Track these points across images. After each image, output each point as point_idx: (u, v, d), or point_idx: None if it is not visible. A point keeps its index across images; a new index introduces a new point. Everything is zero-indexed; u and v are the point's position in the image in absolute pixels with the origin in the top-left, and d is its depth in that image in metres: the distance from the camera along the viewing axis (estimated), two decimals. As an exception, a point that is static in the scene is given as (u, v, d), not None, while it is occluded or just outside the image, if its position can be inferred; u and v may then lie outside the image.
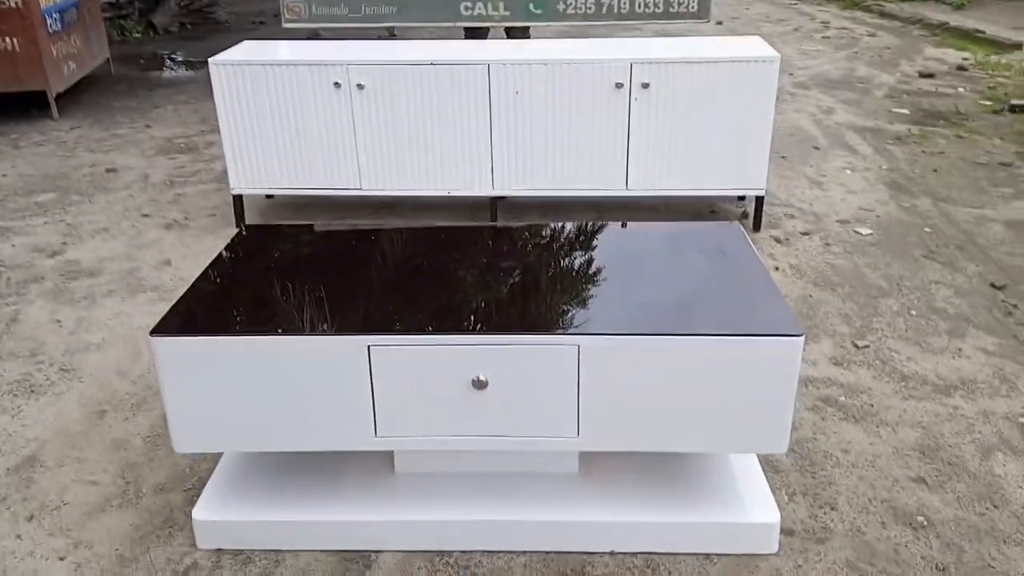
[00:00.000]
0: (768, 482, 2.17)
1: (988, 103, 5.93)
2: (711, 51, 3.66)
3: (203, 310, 1.96)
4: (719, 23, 8.99)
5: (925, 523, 2.16)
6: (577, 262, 2.18)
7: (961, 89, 6.34)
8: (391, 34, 8.03)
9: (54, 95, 5.91)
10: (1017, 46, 7.57)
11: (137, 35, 9.05)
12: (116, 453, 2.43)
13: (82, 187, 4.58)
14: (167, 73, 7.48)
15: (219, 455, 2.23)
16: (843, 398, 2.67)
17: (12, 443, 2.48)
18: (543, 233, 2.39)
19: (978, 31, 8.13)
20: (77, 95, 6.29)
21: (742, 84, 3.54)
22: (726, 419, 1.88)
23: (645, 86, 3.55)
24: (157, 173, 4.78)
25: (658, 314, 1.90)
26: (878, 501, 2.24)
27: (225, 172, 3.90)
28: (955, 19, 8.75)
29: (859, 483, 2.30)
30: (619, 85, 3.55)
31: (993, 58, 7.28)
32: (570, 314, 1.92)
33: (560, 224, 2.42)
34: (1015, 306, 3.23)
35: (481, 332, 1.84)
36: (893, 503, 2.23)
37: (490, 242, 2.35)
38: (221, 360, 1.85)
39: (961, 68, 6.97)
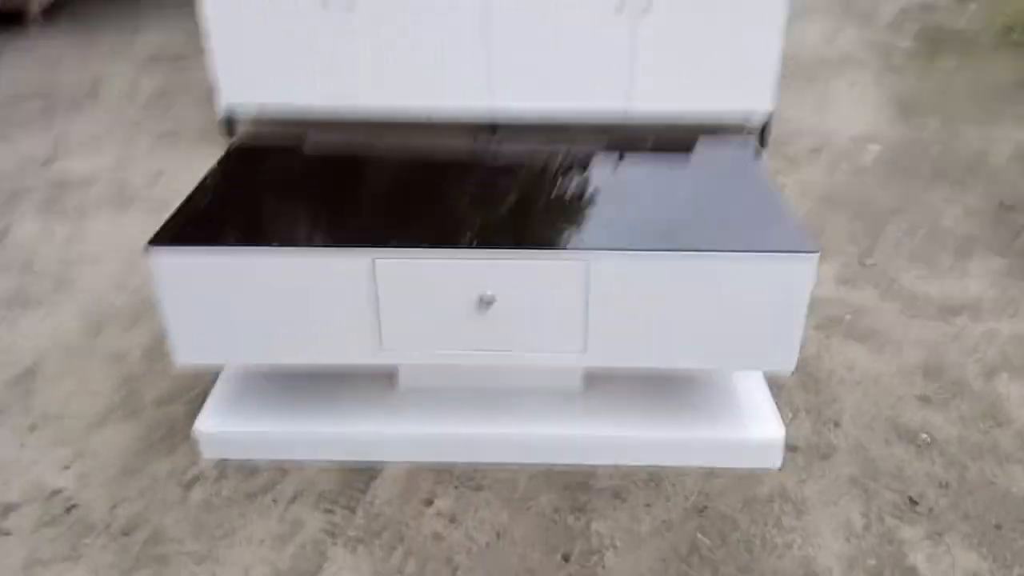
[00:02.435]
0: (772, 399, 2.16)
1: (997, 26, 5.78)
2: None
3: (202, 223, 1.91)
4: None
5: (928, 440, 2.17)
6: (584, 180, 2.11)
7: (973, 6, 6.17)
8: None
9: (36, 8, 5.70)
10: (1030, -35, 7.37)
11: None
12: (115, 365, 2.40)
13: (71, 96, 4.45)
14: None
15: (220, 369, 2.21)
16: (849, 317, 2.65)
17: (10, 355, 2.45)
18: (548, 152, 2.32)
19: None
20: (60, 8, 6.07)
21: (747, 2, 3.42)
22: (734, 337, 1.86)
23: (646, 6, 3.42)
24: (146, 83, 4.64)
25: (667, 231, 1.85)
26: (882, 419, 2.24)
27: (214, 85, 3.77)
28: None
29: (863, 401, 2.30)
30: (618, 8, 3.42)
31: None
32: (578, 230, 1.87)
33: (565, 146, 2.35)
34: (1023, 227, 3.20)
35: (488, 247, 1.79)
36: (897, 421, 2.23)
37: (495, 160, 2.28)
38: (222, 274, 1.80)
39: (972, -14, 6.78)
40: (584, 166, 2.18)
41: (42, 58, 5.11)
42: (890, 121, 4.14)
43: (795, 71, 4.89)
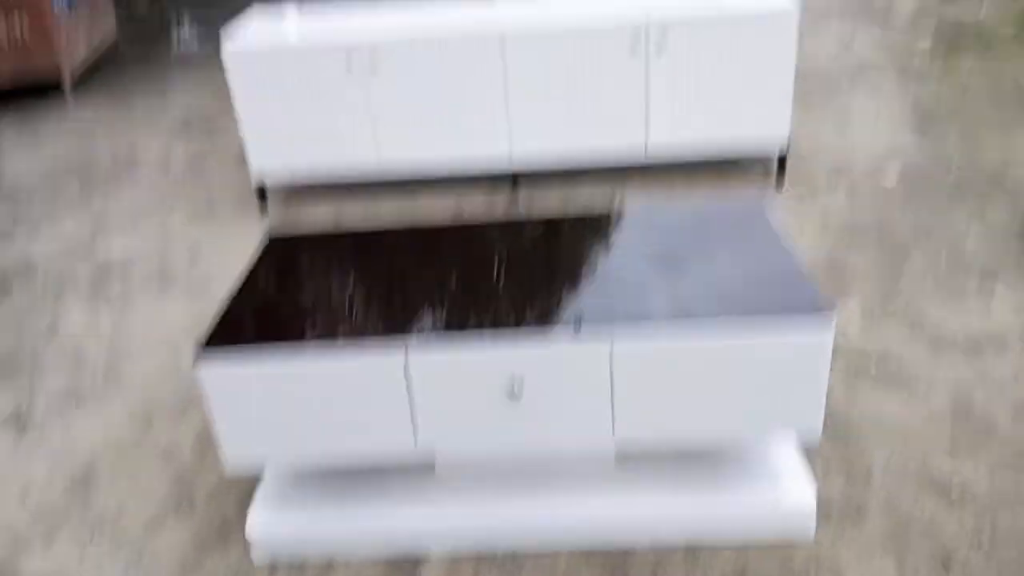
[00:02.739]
0: (804, 459, 2.20)
1: (1012, 25, 5.75)
2: (726, 6, 3.58)
3: (243, 327, 2.00)
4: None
5: (960, 496, 2.20)
6: (602, 253, 2.19)
7: (984, 9, 6.14)
8: None
9: (68, 79, 5.92)
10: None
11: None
12: (167, 462, 2.51)
13: (105, 176, 4.62)
14: (177, 44, 7.43)
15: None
16: (874, 365, 2.69)
17: (67, 460, 2.57)
18: (562, 225, 2.40)
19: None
20: (90, 76, 6.29)
21: (760, 39, 3.47)
22: (758, 405, 1.91)
23: (661, 48, 3.49)
24: (177, 157, 4.80)
25: (688, 306, 1.91)
26: (912, 471, 2.27)
27: (244, 151, 3.90)
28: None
29: (893, 453, 2.34)
30: (635, 48, 3.50)
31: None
32: (601, 311, 1.93)
33: (582, 211, 2.43)
34: (1046, 253, 3.20)
35: (515, 336, 1.87)
36: (927, 472, 2.27)
37: (512, 236, 2.36)
38: (265, 377, 1.90)
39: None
40: (601, 236, 2.26)
41: (77, 130, 5.30)
42: (910, 134, 4.15)
43: (812, 86, 4.93)
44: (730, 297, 1.93)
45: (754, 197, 2.44)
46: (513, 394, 1.89)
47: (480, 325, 1.91)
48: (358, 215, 3.92)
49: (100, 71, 6.50)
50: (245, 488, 2.35)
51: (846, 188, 3.79)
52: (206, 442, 2.56)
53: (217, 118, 5.32)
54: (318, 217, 3.93)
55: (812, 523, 2.10)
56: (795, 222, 3.54)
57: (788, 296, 1.91)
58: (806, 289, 1.93)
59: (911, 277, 3.12)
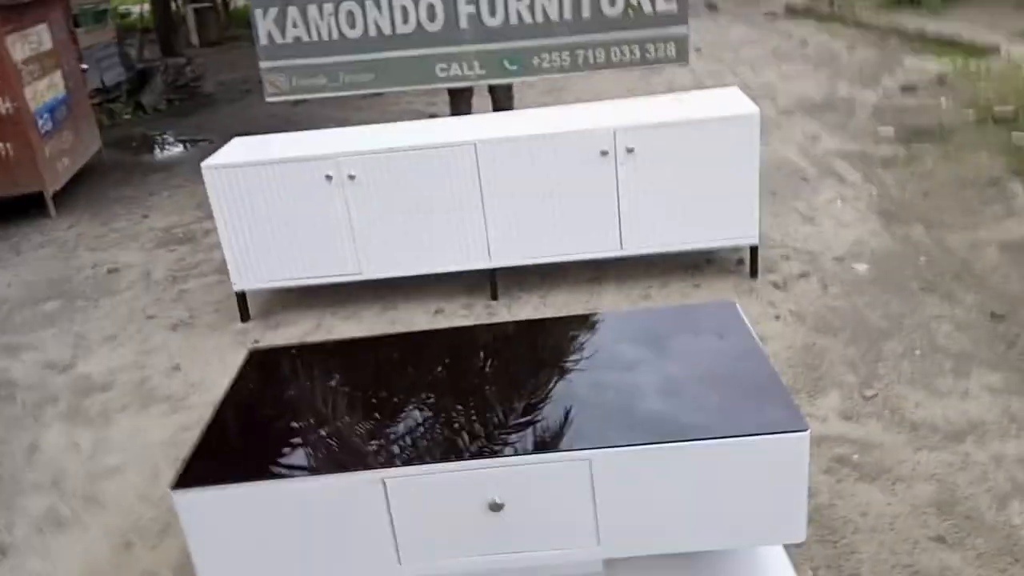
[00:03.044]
0: (791, 562, 2.19)
1: (971, 113, 5.98)
2: (690, 111, 3.73)
3: (219, 458, 2.00)
4: (697, 49, 9.08)
5: (949, 588, 2.19)
6: (576, 365, 2.21)
7: (943, 100, 6.40)
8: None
9: (51, 194, 6.00)
10: (996, 49, 7.65)
11: (126, 116, 9.18)
12: (146, 587, 2.46)
13: (86, 291, 4.64)
14: (159, 155, 7.58)
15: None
16: (856, 456, 2.70)
17: (44, 585, 2.52)
18: (538, 333, 2.43)
19: (956, 36, 8.21)
20: (73, 189, 6.38)
21: (724, 141, 3.60)
22: (739, 515, 1.90)
23: (630, 151, 3.61)
24: (158, 268, 4.85)
25: (663, 419, 1.93)
26: (900, 567, 2.26)
27: (225, 261, 3.95)
28: (932, 26, 8.83)
29: (880, 549, 2.33)
30: (604, 152, 3.61)
31: (973, 64, 7.35)
32: (578, 427, 1.95)
33: (555, 320, 2.47)
34: (1017, 335, 3.26)
35: (492, 455, 1.87)
36: (915, 567, 2.26)
37: (489, 347, 2.39)
38: (242, 506, 1.88)
39: (942, 78, 7.04)
40: (574, 348, 2.28)
41: (58, 249, 5.34)
42: (875, 233, 4.26)
43: (782, 180, 5.08)
44: (709, 414, 1.95)
45: (726, 301, 2.49)
46: (493, 508, 1.88)
47: (458, 448, 1.91)
48: (339, 321, 3.94)
49: (84, 183, 6.59)
50: (226, 611, 2.30)
51: (819, 277, 3.87)
52: (186, 568, 2.51)
53: (198, 230, 5.39)
54: (299, 323, 3.95)
55: (803, 628, 2.07)
56: (771, 310, 3.60)
57: (765, 414, 1.92)
58: (782, 405, 1.94)
59: (887, 364, 3.16)
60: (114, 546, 2.64)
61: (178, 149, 7.72)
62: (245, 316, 4.03)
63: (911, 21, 9.12)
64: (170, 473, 2.89)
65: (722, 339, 2.25)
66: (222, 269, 4.50)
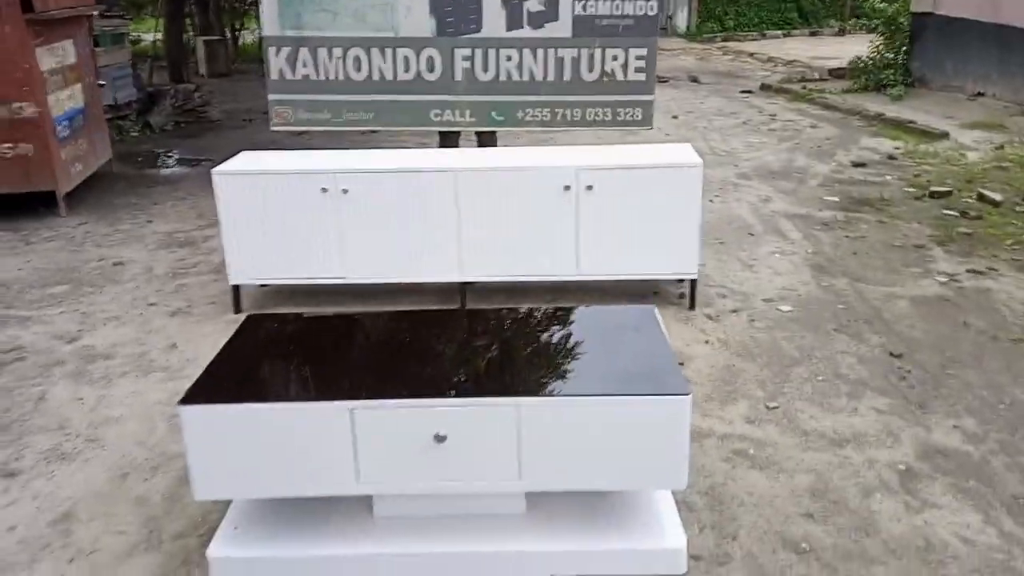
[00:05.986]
0: (682, 518, 2.65)
1: (912, 190, 6.60)
2: (645, 158, 4.29)
3: (220, 385, 2.46)
4: (675, 117, 9.76)
5: (808, 549, 2.65)
6: (517, 340, 2.70)
7: (889, 177, 7.02)
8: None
9: (62, 194, 6.47)
10: (945, 135, 8.33)
11: (134, 134, 9.70)
12: (139, 508, 2.88)
13: (92, 279, 5.09)
14: (164, 171, 8.08)
15: (227, 507, 2.69)
16: (752, 451, 3.18)
17: (50, 501, 2.93)
18: (490, 318, 2.92)
19: (911, 122, 8.90)
20: (83, 193, 6.85)
21: (671, 186, 4.15)
22: (633, 464, 2.38)
23: (589, 188, 4.15)
24: (160, 265, 5.31)
25: (580, 380, 2.42)
26: (772, 532, 2.73)
27: (222, 264, 4.43)
28: (891, 110, 9.55)
29: (758, 519, 2.80)
30: (567, 187, 4.15)
31: (922, 147, 8.01)
32: (511, 380, 2.43)
33: (505, 310, 2.96)
34: (909, 371, 3.77)
35: (440, 396, 2.35)
36: (784, 534, 2.72)
37: (449, 325, 2.88)
38: (236, 424, 2.34)
39: (891, 157, 7.68)
40: (519, 330, 2.78)
41: (67, 243, 5.79)
42: (804, 282, 4.80)
43: (731, 231, 5.63)
44: (616, 379, 2.44)
45: (647, 306, 2.99)
46: (438, 439, 2.35)
47: (414, 388, 2.39)
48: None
49: (93, 189, 7.06)
50: (207, 531, 2.72)
51: (748, 313, 4.39)
52: (175, 495, 2.94)
53: (198, 236, 5.86)
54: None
55: (684, 563, 2.52)
56: (702, 336, 4.10)
57: (658, 382, 2.42)
58: (673, 376, 2.44)
59: (793, 384, 3.66)
60: (111, 477, 3.07)
61: (182, 167, 8.22)
62: (238, 308, 4.49)
63: (874, 105, 9.84)
64: (165, 427, 3.35)
65: (638, 332, 2.75)
66: (219, 269, 4.97)
